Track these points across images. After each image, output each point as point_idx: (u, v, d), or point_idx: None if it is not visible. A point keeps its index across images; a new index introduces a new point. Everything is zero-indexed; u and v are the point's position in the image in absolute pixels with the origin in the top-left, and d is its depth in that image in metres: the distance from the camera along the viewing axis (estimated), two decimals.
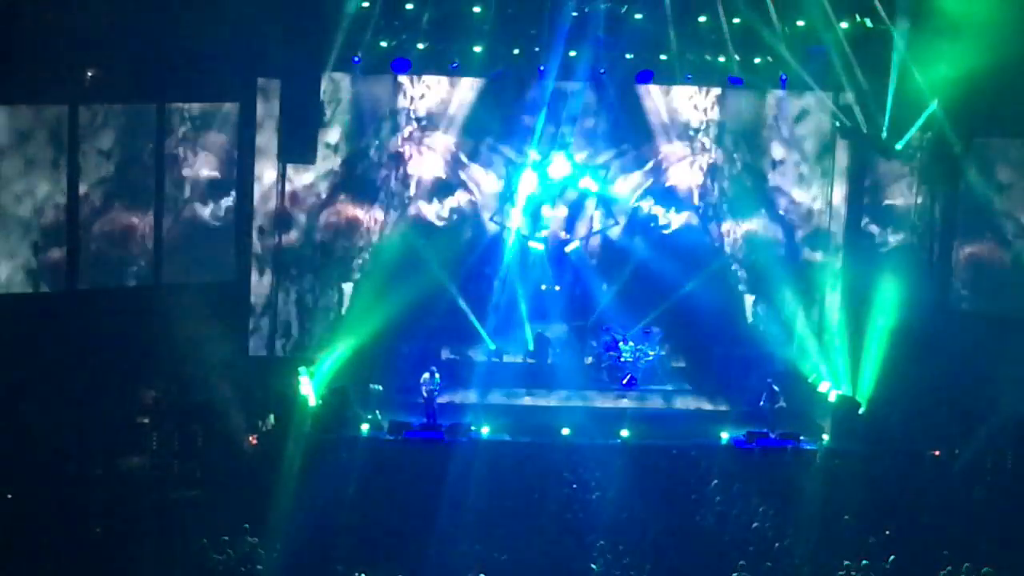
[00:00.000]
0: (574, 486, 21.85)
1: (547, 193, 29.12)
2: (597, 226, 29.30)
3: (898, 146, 26.09)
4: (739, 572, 18.42)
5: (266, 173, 27.36)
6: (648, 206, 29.31)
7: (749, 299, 29.00)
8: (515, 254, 28.81)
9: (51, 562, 18.24)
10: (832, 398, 26.35)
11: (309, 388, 24.92)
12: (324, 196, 28.10)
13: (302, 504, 20.53)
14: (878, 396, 25.74)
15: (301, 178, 27.69)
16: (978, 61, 23.49)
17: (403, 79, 27.94)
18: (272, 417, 24.39)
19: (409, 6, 26.33)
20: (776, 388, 25.66)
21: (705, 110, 29.03)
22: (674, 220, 29.17)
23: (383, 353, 26.80)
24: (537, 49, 27.06)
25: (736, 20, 26.60)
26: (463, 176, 28.86)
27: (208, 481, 21.87)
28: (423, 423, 24.69)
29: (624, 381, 27.85)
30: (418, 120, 28.46)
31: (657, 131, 29.04)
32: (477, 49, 26.86)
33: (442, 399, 25.58)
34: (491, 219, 28.91)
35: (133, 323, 24.79)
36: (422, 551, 19.08)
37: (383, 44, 26.76)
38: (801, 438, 24.61)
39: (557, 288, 28.93)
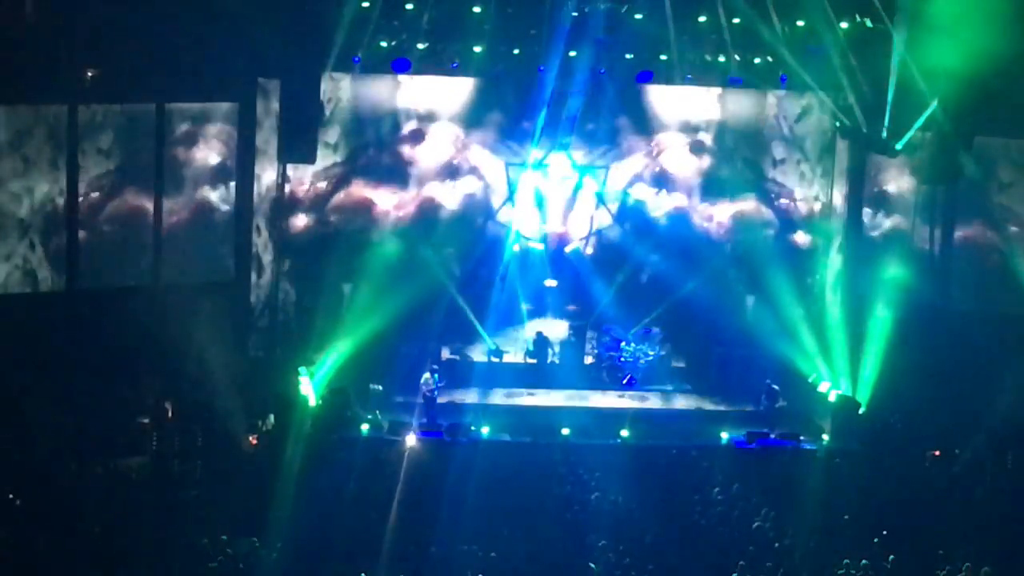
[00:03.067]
0: (575, 486, 21.84)
1: (547, 193, 29.13)
2: (597, 226, 29.30)
3: (898, 146, 26.09)
4: (739, 572, 18.42)
5: (266, 173, 27.37)
6: (647, 205, 29.33)
7: (749, 299, 28.99)
8: (515, 254, 28.82)
9: (51, 562, 18.23)
10: (832, 398, 26.35)
11: (309, 388, 24.93)
12: (324, 196, 28.12)
13: (302, 504, 20.51)
14: (878, 396, 25.74)
15: (301, 178, 27.71)
16: (978, 61, 23.49)
17: (403, 79, 27.94)
18: (272, 417, 24.39)
19: (409, 6, 26.35)
20: (776, 388, 25.65)
21: (705, 111, 29.03)
22: (674, 221, 29.14)
23: (383, 353, 26.80)
24: (537, 49, 27.08)
25: (736, 20, 26.63)
26: (462, 176, 28.85)
27: (208, 481, 21.85)
28: (423, 423, 24.70)
29: (624, 381, 27.85)
30: (418, 120, 28.47)
31: (657, 128, 29.06)
32: (477, 49, 26.88)
33: (442, 399, 25.58)
34: (491, 219, 28.90)
35: (133, 323, 24.77)
36: (422, 551, 19.07)
37: (383, 44, 26.77)
38: (801, 438, 24.61)
39: (554, 283, 28.85)
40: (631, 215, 29.23)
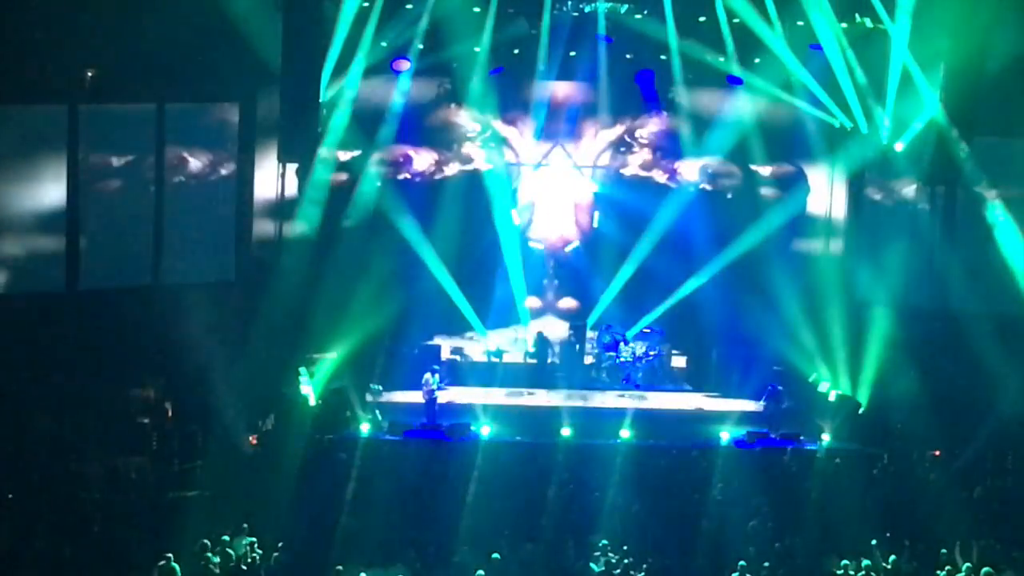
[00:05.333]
0: (574, 486, 21.85)
1: (547, 193, 29.14)
2: (597, 225, 29.30)
3: (898, 146, 26.09)
4: (739, 572, 18.43)
5: (266, 173, 27.36)
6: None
7: (749, 299, 28.98)
8: (515, 254, 28.83)
9: (51, 562, 18.24)
10: (832, 398, 26.35)
11: (309, 388, 24.92)
12: (324, 195, 28.11)
13: (302, 504, 20.52)
14: (878, 396, 25.74)
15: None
16: (978, 60, 23.50)
17: (403, 79, 27.93)
18: (272, 417, 24.39)
19: (409, 6, 26.37)
20: (780, 389, 25.64)
21: (705, 110, 29.05)
22: (674, 219, 29.10)
23: (383, 353, 26.80)
24: (537, 49, 27.10)
25: (736, 20, 26.65)
26: (462, 177, 28.86)
27: (208, 481, 21.87)
28: (423, 423, 24.71)
29: (624, 381, 27.86)
30: (418, 119, 28.48)
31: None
32: (477, 49, 26.90)
33: (442, 399, 25.60)
34: (491, 219, 28.91)
35: (133, 323, 24.78)
36: (422, 551, 19.08)
37: (383, 44, 26.79)
38: (801, 438, 24.61)
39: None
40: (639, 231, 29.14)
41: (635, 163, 29.23)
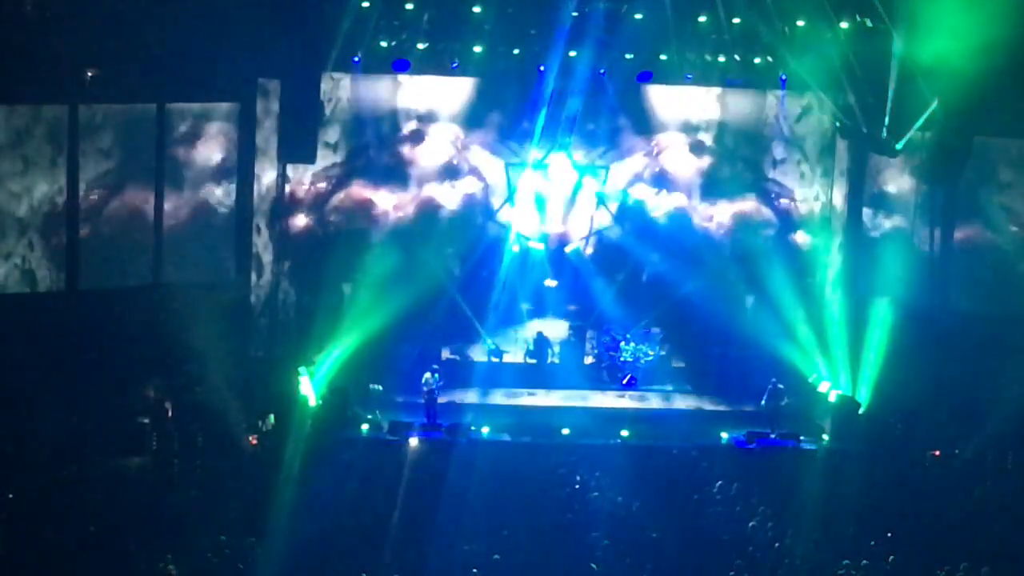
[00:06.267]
0: (575, 486, 21.86)
1: (547, 193, 29.13)
2: (597, 226, 29.30)
3: (898, 146, 26.08)
4: (737, 572, 18.42)
5: (266, 173, 27.37)
6: (647, 204, 29.31)
7: (749, 299, 28.98)
8: (515, 254, 28.82)
9: (50, 562, 18.23)
10: (832, 398, 26.36)
11: (309, 388, 24.93)
12: (324, 196, 28.12)
13: (302, 504, 20.52)
14: (878, 396, 25.74)
15: (301, 178, 27.71)
16: (978, 61, 23.48)
17: (403, 79, 27.95)
18: (272, 417, 24.40)
19: (409, 6, 26.37)
20: (781, 386, 25.65)
21: (705, 111, 29.04)
22: (674, 221, 29.12)
23: (383, 353, 26.80)
24: (537, 49, 27.10)
25: (736, 20, 26.65)
26: (461, 177, 28.85)
27: (208, 481, 21.87)
28: (423, 423, 24.71)
29: (624, 381, 27.86)
30: (418, 120, 28.48)
31: (657, 127, 29.08)
32: (477, 49, 26.90)
33: (442, 399, 25.60)
34: (491, 219, 28.90)
35: (133, 323, 24.79)
36: (422, 551, 19.08)
37: (383, 44, 26.80)
38: (801, 438, 24.62)
39: (554, 283, 28.92)
40: (631, 215, 29.22)
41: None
